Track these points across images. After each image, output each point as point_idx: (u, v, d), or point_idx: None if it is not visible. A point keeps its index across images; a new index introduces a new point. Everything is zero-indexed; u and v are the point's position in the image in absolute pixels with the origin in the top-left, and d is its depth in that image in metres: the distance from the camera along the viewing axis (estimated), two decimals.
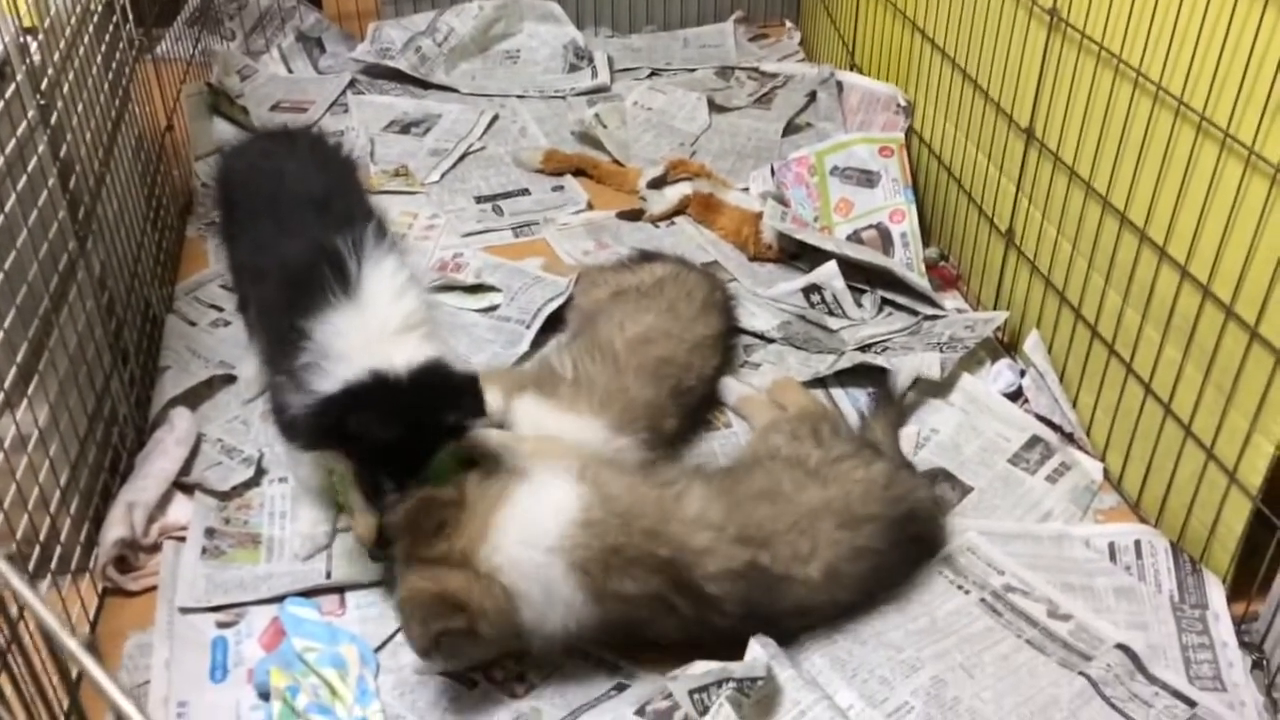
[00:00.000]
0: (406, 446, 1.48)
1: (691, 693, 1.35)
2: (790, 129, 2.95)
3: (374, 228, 1.59)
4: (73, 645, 0.42)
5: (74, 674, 0.52)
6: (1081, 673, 1.49)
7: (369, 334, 1.48)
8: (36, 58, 1.62)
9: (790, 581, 1.47)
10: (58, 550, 1.51)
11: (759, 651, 1.51)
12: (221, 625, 1.57)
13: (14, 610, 0.59)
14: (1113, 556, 1.70)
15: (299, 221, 1.63)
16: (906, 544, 1.59)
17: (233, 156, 1.96)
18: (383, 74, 3.23)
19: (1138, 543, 1.71)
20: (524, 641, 1.45)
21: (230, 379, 2.01)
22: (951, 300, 2.32)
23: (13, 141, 1.49)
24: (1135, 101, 1.72)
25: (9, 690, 0.78)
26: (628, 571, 1.42)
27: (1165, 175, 1.65)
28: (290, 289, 1.53)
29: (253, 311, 1.84)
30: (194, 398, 1.95)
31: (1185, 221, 1.61)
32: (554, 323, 2.16)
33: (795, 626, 1.52)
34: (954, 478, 1.85)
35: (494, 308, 2.24)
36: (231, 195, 1.87)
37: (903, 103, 2.61)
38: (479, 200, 2.65)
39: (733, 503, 1.51)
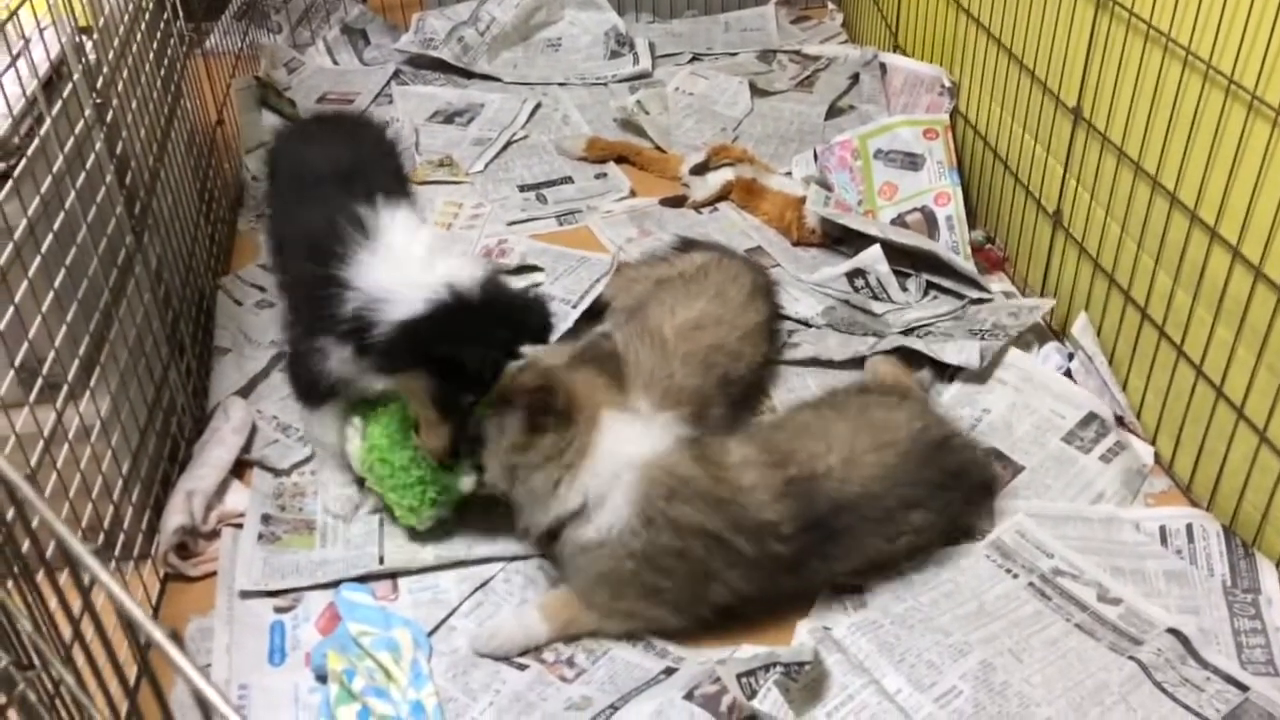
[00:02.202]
0: (486, 360, 1.53)
1: (739, 676, 1.37)
2: (833, 112, 2.93)
3: (392, 191, 1.68)
4: (157, 633, 0.44)
5: (144, 645, 0.54)
6: (1131, 657, 1.48)
7: (407, 264, 1.53)
8: (92, 57, 1.65)
9: (817, 480, 1.53)
10: (121, 537, 1.56)
11: (805, 636, 1.52)
12: (279, 610, 1.61)
13: (86, 580, 0.62)
14: (1164, 540, 1.69)
15: (324, 194, 1.71)
16: (935, 462, 1.60)
17: (277, 141, 2.09)
18: (426, 64, 3.25)
19: (1189, 526, 1.70)
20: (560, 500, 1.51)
21: (282, 355, 2.05)
22: (998, 283, 2.30)
23: (71, 140, 1.53)
24: (1185, 80, 1.69)
25: (82, 661, 0.81)
26: (690, 501, 1.48)
27: (1216, 154, 1.63)
28: (317, 249, 1.58)
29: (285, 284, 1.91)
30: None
31: (1237, 202, 1.59)
32: (594, 315, 2.17)
33: (843, 532, 1.53)
34: (1006, 457, 1.84)
35: (537, 285, 2.27)
36: (273, 177, 2.00)
37: (947, 84, 2.59)
38: (523, 189, 2.67)
39: (764, 440, 1.60)
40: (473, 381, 1.54)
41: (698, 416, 1.77)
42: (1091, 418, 1.88)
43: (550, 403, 1.50)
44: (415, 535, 1.71)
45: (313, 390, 1.68)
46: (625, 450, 1.50)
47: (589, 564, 1.52)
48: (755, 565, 1.50)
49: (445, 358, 1.49)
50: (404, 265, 1.53)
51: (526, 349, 1.60)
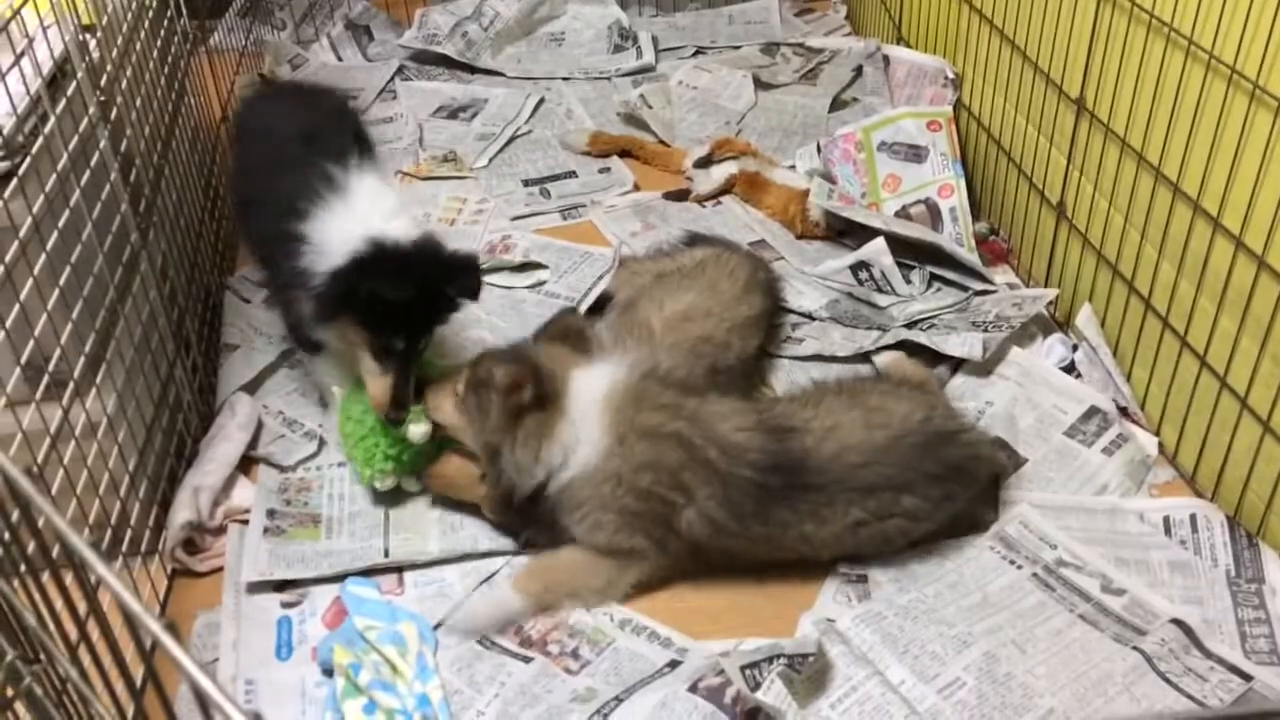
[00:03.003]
0: (413, 307, 1.64)
1: (743, 669, 1.37)
2: (836, 105, 2.93)
3: (361, 153, 1.80)
4: (154, 626, 0.44)
5: (149, 646, 0.55)
6: (1135, 648, 1.49)
7: (359, 222, 1.64)
8: (95, 55, 1.66)
9: (794, 430, 1.57)
10: (128, 533, 1.57)
11: (809, 628, 1.52)
12: (286, 605, 1.61)
13: (92, 580, 0.63)
14: (1168, 530, 1.69)
15: (292, 154, 1.78)
16: (933, 455, 1.59)
17: (243, 107, 2.18)
18: (430, 60, 3.26)
19: (1193, 516, 1.70)
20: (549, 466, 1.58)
21: (289, 352, 2.07)
22: (1002, 275, 2.30)
23: (75, 138, 1.54)
24: (1188, 70, 1.69)
25: (87, 659, 0.82)
26: (656, 411, 1.57)
27: (1219, 145, 1.63)
28: (284, 206, 1.68)
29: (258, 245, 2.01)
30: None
31: (1240, 192, 1.59)
32: (598, 309, 2.18)
33: (815, 489, 1.55)
34: (1010, 448, 1.84)
35: (541, 284, 2.28)
36: (239, 141, 2.07)
37: (950, 76, 2.59)
38: (527, 184, 2.67)
39: (750, 400, 1.67)
40: (401, 328, 1.64)
41: None
42: (1093, 411, 1.88)
43: (529, 391, 1.56)
44: (419, 527, 1.71)
45: (304, 339, 1.82)
46: (592, 390, 1.59)
47: (569, 501, 1.58)
48: (725, 485, 1.53)
49: (364, 301, 1.59)
50: (352, 221, 1.63)
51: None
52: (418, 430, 1.70)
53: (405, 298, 1.61)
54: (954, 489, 1.61)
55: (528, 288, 2.28)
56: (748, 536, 1.56)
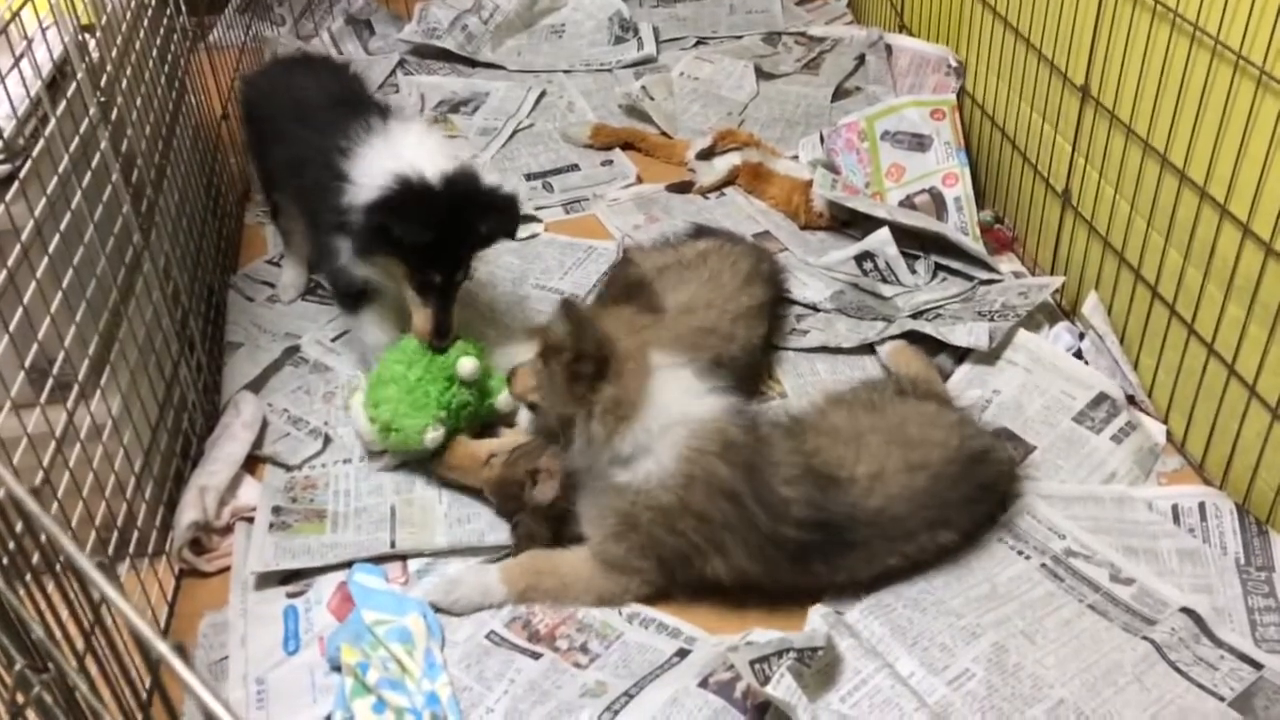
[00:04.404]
0: (443, 244, 1.71)
1: (753, 663, 1.37)
2: (839, 94, 2.92)
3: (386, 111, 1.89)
4: (162, 648, 0.44)
5: (155, 658, 0.55)
6: (1145, 637, 1.48)
7: (396, 158, 1.71)
8: (95, 55, 1.65)
9: (839, 483, 1.52)
10: (135, 534, 1.57)
11: (818, 622, 1.52)
12: (291, 595, 1.62)
13: (96, 596, 0.63)
14: (1176, 519, 1.68)
15: (331, 115, 1.87)
16: (968, 479, 1.57)
17: (253, 82, 2.22)
18: (431, 54, 3.25)
19: (1202, 505, 1.69)
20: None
21: (293, 350, 2.08)
22: (1007, 263, 2.29)
23: (76, 139, 1.53)
24: (1193, 56, 1.68)
25: (95, 671, 0.82)
26: (733, 466, 1.49)
27: (1225, 131, 1.62)
28: (329, 151, 1.77)
29: (288, 210, 2.13)
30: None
31: (1246, 178, 1.58)
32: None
33: (857, 545, 1.52)
34: (1017, 438, 1.83)
35: (534, 236, 2.39)
36: (259, 113, 2.13)
37: (954, 64, 2.57)
38: (529, 177, 2.67)
39: (799, 428, 1.61)
40: (434, 264, 1.72)
41: None
42: (1102, 398, 1.88)
43: (590, 363, 1.48)
44: (425, 522, 1.71)
45: (348, 293, 1.89)
46: (679, 406, 1.52)
47: (608, 500, 1.54)
48: (763, 542, 1.50)
49: (395, 236, 1.67)
50: (389, 158, 1.71)
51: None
52: (504, 399, 1.80)
53: (422, 241, 1.68)
54: (982, 509, 1.62)
55: (522, 240, 2.37)
56: (775, 582, 1.54)
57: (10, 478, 0.52)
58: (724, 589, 1.59)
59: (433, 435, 1.73)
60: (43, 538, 0.59)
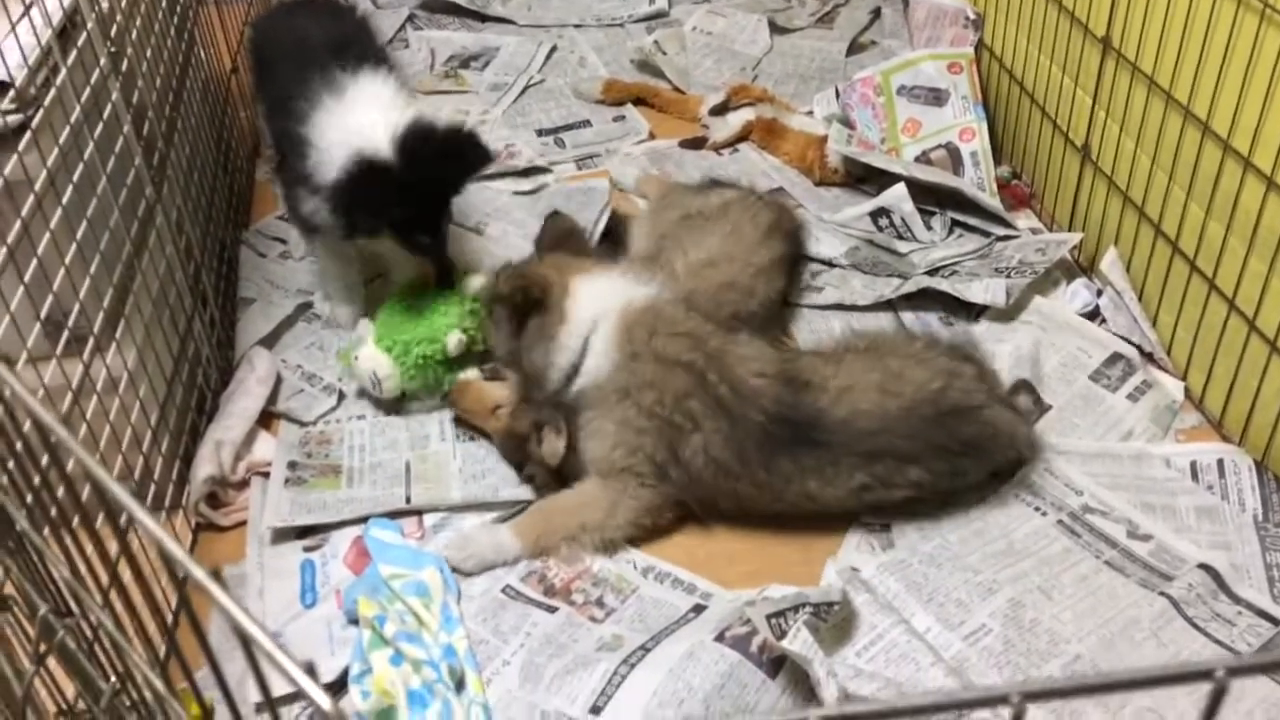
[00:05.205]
0: (417, 209, 1.74)
1: (769, 618, 1.37)
2: (854, 48, 2.88)
3: (373, 55, 1.88)
4: (199, 573, 0.44)
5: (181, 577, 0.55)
6: (1162, 593, 1.48)
7: (352, 131, 1.71)
8: (105, 5, 1.63)
9: (811, 388, 1.57)
10: (151, 488, 1.57)
11: (834, 577, 1.52)
12: (308, 549, 1.62)
13: (124, 521, 0.62)
14: (1194, 476, 1.67)
15: (309, 61, 1.86)
16: (945, 428, 1.55)
17: (257, 25, 2.23)
18: (440, 8, 3.21)
19: (1220, 461, 1.68)
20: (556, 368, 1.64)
21: (306, 305, 2.07)
22: (1024, 219, 2.27)
23: (87, 89, 1.52)
24: (1217, 5, 1.65)
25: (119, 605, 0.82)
26: (675, 339, 1.59)
27: (1250, 82, 1.59)
28: (290, 109, 1.79)
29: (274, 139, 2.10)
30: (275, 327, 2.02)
31: (1272, 130, 1.56)
32: (610, 237, 2.21)
33: (820, 447, 1.53)
34: (1035, 391, 1.80)
35: (544, 187, 2.41)
36: (259, 57, 2.13)
37: (972, 16, 2.53)
38: (541, 134, 2.64)
39: (780, 357, 1.66)
40: (416, 227, 1.77)
41: None
42: (1116, 357, 1.87)
43: (528, 299, 1.65)
44: (440, 478, 1.72)
45: (305, 227, 1.92)
46: (600, 301, 1.63)
47: (579, 408, 1.61)
48: (732, 424, 1.53)
49: (366, 226, 1.73)
50: (344, 130, 1.71)
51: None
52: (473, 283, 1.86)
53: (393, 220, 1.72)
54: (965, 465, 1.59)
55: (531, 191, 2.39)
56: (751, 480, 1.56)
57: (40, 408, 0.52)
58: (737, 545, 1.59)
59: (456, 340, 1.78)
60: (69, 464, 0.59)
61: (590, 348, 1.61)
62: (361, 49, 1.89)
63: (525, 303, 1.65)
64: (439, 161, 1.73)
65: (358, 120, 1.71)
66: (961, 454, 1.58)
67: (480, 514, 1.68)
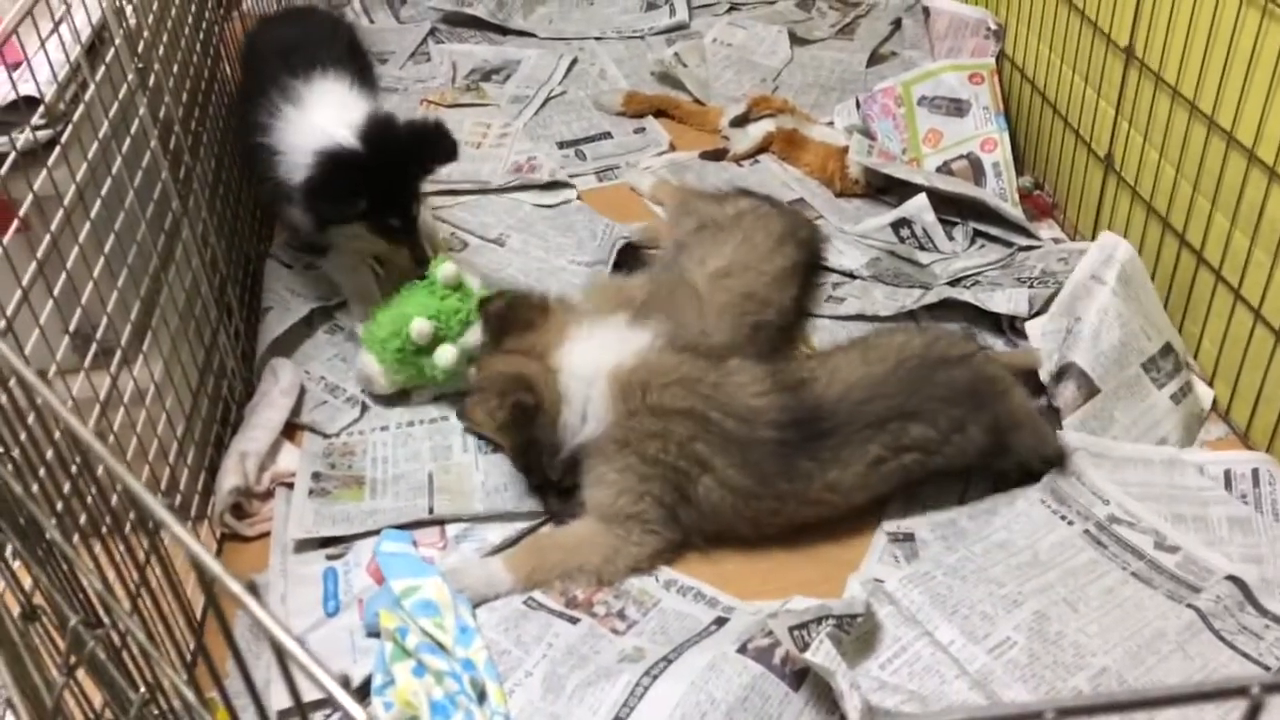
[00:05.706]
0: (384, 196, 1.80)
1: (792, 630, 1.36)
2: (875, 59, 2.88)
3: (338, 61, 1.95)
4: (235, 586, 0.44)
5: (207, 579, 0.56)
6: (1189, 605, 1.47)
7: (312, 132, 1.77)
8: (132, 21, 1.65)
9: (805, 384, 1.60)
10: (177, 499, 1.58)
11: (857, 589, 1.52)
12: (330, 558, 1.63)
13: (151, 524, 0.63)
14: (1228, 485, 1.65)
15: (270, 72, 1.93)
16: (937, 376, 1.59)
17: (249, 35, 2.29)
18: (462, 21, 3.23)
19: (1255, 471, 1.66)
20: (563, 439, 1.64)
21: (328, 315, 2.09)
22: (1047, 230, 2.26)
23: (115, 105, 1.53)
24: (1242, 14, 1.64)
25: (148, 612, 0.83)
26: (668, 389, 1.58)
27: (1274, 92, 1.58)
28: (255, 121, 1.85)
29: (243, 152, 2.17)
30: (294, 337, 2.02)
31: None
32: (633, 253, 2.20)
33: (830, 433, 1.56)
34: (1085, 375, 1.73)
35: (566, 203, 2.40)
36: (245, 66, 2.21)
37: (993, 26, 2.53)
38: (561, 146, 2.65)
39: (769, 370, 1.66)
40: (386, 213, 1.82)
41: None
42: (1169, 349, 1.82)
43: (526, 411, 1.62)
44: (463, 489, 1.72)
45: (304, 237, 2.00)
46: (589, 366, 1.63)
47: (586, 460, 1.62)
48: (745, 451, 1.54)
49: (336, 215, 1.79)
50: (305, 133, 1.78)
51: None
52: (448, 268, 1.85)
53: (361, 210, 1.77)
54: (963, 414, 1.59)
55: (553, 205, 2.41)
56: (775, 496, 1.56)
57: (76, 423, 0.52)
58: (759, 561, 1.59)
59: (419, 328, 1.79)
60: (99, 469, 0.60)
61: (587, 414, 1.61)
62: (319, 56, 1.95)
63: (525, 415, 1.62)
64: (403, 145, 1.81)
65: (319, 119, 1.80)
66: (959, 402, 1.59)
67: (503, 525, 1.68)
